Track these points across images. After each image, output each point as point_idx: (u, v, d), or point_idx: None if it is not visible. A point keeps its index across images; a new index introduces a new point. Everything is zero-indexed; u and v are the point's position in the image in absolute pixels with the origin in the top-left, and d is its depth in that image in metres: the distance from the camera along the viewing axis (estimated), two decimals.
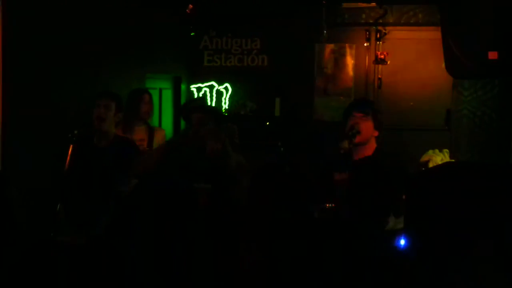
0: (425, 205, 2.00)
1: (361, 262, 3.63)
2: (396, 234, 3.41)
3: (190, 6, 7.60)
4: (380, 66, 8.45)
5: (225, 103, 8.97)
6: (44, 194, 4.36)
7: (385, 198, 3.67)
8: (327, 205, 3.77)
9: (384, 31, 8.40)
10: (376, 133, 3.95)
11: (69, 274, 3.83)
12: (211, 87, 9.04)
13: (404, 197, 3.21)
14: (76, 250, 3.84)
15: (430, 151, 6.18)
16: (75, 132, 4.08)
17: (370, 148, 3.94)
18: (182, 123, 8.82)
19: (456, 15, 2.57)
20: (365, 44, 8.56)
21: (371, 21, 8.48)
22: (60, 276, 3.88)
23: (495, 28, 2.48)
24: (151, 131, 5.79)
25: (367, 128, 3.90)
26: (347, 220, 3.71)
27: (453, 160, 4.88)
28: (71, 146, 4.03)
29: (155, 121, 7.21)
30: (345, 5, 8.22)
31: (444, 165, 3.67)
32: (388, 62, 8.37)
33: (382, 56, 8.32)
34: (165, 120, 8.44)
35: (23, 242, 4.35)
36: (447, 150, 5.72)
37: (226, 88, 9.01)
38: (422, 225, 2.02)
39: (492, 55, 2.51)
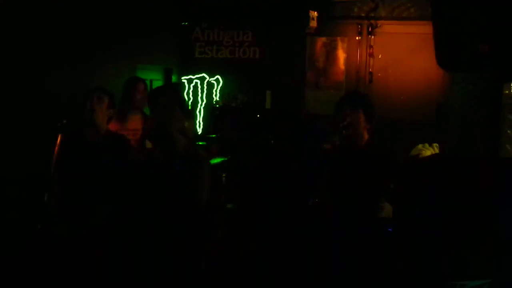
0: (413, 194, 2.01)
1: (351, 250, 3.64)
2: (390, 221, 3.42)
3: None
4: (371, 60, 8.45)
5: (216, 95, 8.95)
6: (32, 184, 4.33)
7: (376, 186, 3.68)
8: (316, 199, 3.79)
9: (376, 25, 8.39)
10: (368, 126, 3.96)
11: (68, 265, 3.80)
12: (202, 79, 9.02)
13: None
14: (74, 241, 3.81)
15: (420, 145, 6.20)
16: (64, 121, 4.03)
17: (361, 140, 3.94)
18: None
19: (447, 8, 2.57)
20: (357, 38, 8.56)
21: (363, 15, 8.47)
22: (58, 267, 3.86)
23: (486, 20, 2.48)
24: (146, 119, 5.75)
25: (358, 122, 3.90)
26: (336, 210, 3.72)
27: None
28: (60, 135, 3.99)
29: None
30: None
31: (433, 156, 3.68)
32: (380, 56, 8.38)
33: (370, 51, 8.34)
34: None
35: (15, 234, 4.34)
36: (437, 145, 5.73)
37: (217, 80, 9.00)
38: (410, 213, 2.03)
39: (483, 47, 2.51)
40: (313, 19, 8.02)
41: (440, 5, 2.69)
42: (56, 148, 3.96)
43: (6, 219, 4.75)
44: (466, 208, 1.93)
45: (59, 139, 4.01)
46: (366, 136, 3.97)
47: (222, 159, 6.81)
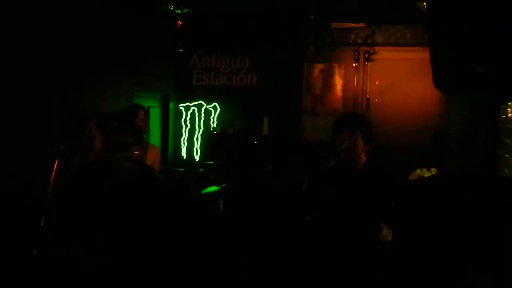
0: (412, 215, 1.99)
1: (349, 273, 3.61)
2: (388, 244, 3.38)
3: (179, 22, 7.63)
4: (368, 86, 8.48)
5: (213, 122, 8.96)
6: (28, 209, 4.30)
7: (374, 209, 3.65)
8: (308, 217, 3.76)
9: (372, 51, 8.43)
10: (366, 147, 3.92)
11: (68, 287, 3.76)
12: (199, 106, 9.04)
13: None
14: (74, 263, 3.76)
15: (418, 170, 6.19)
16: (61, 147, 4.02)
17: (359, 162, 3.90)
18: (170, 142, 8.82)
19: (443, 30, 2.57)
20: (354, 64, 8.59)
21: (359, 41, 8.51)
22: None
23: (483, 42, 2.48)
24: (144, 147, 5.69)
25: (356, 144, 3.86)
26: (331, 232, 3.69)
27: None
28: (57, 161, 3.98)
29: None
30: (334, 25, 8.26)
31: (432, 176, 3.65)
32: (377, 82, 8.41)
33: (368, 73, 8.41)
34: (153, 139, 8.41)
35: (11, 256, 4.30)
36: (435, 169, 5.73)
37: (214, 107, 9.01)
38: (409, 235, 2.00)
39: (480, 69, 2.51)
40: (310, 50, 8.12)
41: (437, 27, 2.69)
42: (53, 173, 3.94)
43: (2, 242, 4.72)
44: (468, 228, 1.90)
45: (56, 164, 3.99)
46: (364, 158, 3.94)
47: (218, 187, 6.78)
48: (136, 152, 3.94)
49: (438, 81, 2.61)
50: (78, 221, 3.84)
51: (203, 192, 6.75)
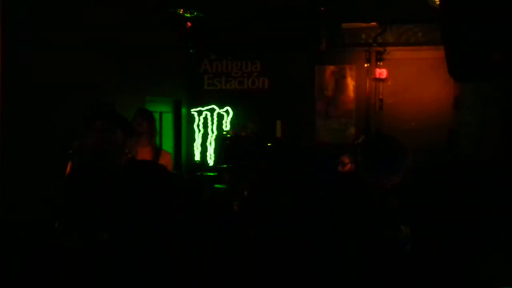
0: (425, 203, 1.95)
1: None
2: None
3: (189, 24, 7.65)
4: (381, 87, 8.43)
5: (226, 126, 8.95)
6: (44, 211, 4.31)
7: (393, 205, 3.60)
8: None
9: (383, 51, 8.38)
10: None
11: (72, 278, 3.74)
12: (211, 111, 9.04)
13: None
14: (79, 255, 3.75)
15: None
16: (74, 146, 4.03)
17: None
18: (183, 147, 8.81)
19: (457, 18, 2.54)
20: (365, 65, 8.55)
21: (370, 41, 8.46)
22: (63, 281, 3.81)
23: (497, 29, 2.45)
24: (157, 153, 5.64)
25: None
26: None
27: None
28: (70, 163, 3.98)
29: None
30: (344, 25, 8.20)
31: (443, 164, 3.61)
32: (389, 83, 8.36)
33: (381, 76, 8.32)
34: (165, 144, 8.41)
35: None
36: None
37: (227, 111, 9.00)
38: (422, 222, 1.97)
39: (495, 57, 2.48)
40: (323, 43, 8.01)
41: (451, 19, 2.66)
42: (67, 173, 3.94)
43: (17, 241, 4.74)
44: (490, 211, 1.87)
45: (69, 166, 3.99)
46: None
47: (232, 188, 6.78)
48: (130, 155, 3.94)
49: (453, 70, 2.58)
50: (86, 214, 3.81)
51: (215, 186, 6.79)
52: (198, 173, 8.36)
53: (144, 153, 5.58)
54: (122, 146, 3.86)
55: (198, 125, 9.07)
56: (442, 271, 2.00)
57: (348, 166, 3.76)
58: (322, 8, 7.00)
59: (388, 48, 8.39)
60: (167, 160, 5.69)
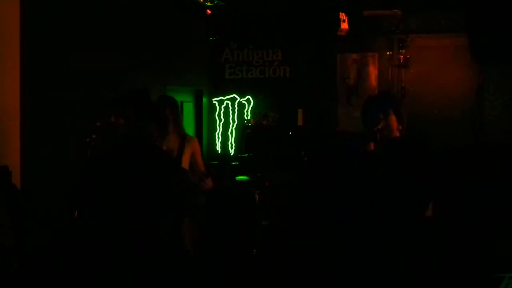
0: (451, 183, 1.93)
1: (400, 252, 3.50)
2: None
3: (208, 11, 7.63)
4: (403, 75, 8.34)
5: (247, 115, 8.94)
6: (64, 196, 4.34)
7: (421, 184, 3.55)
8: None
9: (406, 38, 8.28)
10: (400, 127, 3.85)
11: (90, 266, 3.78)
12: (233, 100, 9.03)
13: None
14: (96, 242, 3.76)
15: None
16: (93, 136, 4.04)
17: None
18: (204, 136, 8.81)
19: (481, 3, 2.50)
20: (388, 53, 8.46)
21: (393, 29, 8.37)
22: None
23: None
24: (182, 140, 5.55)
25: (390, 123, 3.80)
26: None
27: None
28: (89, 151, 4.00)
29: None
30: (366, 13, 8.10)
31: (470, 144, 3.56)
32: (412, 70, 8.28)
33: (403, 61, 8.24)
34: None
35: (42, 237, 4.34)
36: None
37: (248, 100, 8.99)
38: (449, 202, 1.94)
39: None
40: (343, 21, 7.87)
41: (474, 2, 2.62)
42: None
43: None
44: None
45: (88, 154, 4.01)
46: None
47: (252, 177, 6.77)
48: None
49: (475, 53, 2.54)
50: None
51: (236, 178, 6.77)
52: (217, 162, 8.35)
53: (169, 141, 5.49)
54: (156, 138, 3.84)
55: (219, 115, 9.07)
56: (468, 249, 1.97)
57: (383, 124, 3.72)
58: None
59: (411, 36, 8.29)
60: (194, 146, 5.53)
